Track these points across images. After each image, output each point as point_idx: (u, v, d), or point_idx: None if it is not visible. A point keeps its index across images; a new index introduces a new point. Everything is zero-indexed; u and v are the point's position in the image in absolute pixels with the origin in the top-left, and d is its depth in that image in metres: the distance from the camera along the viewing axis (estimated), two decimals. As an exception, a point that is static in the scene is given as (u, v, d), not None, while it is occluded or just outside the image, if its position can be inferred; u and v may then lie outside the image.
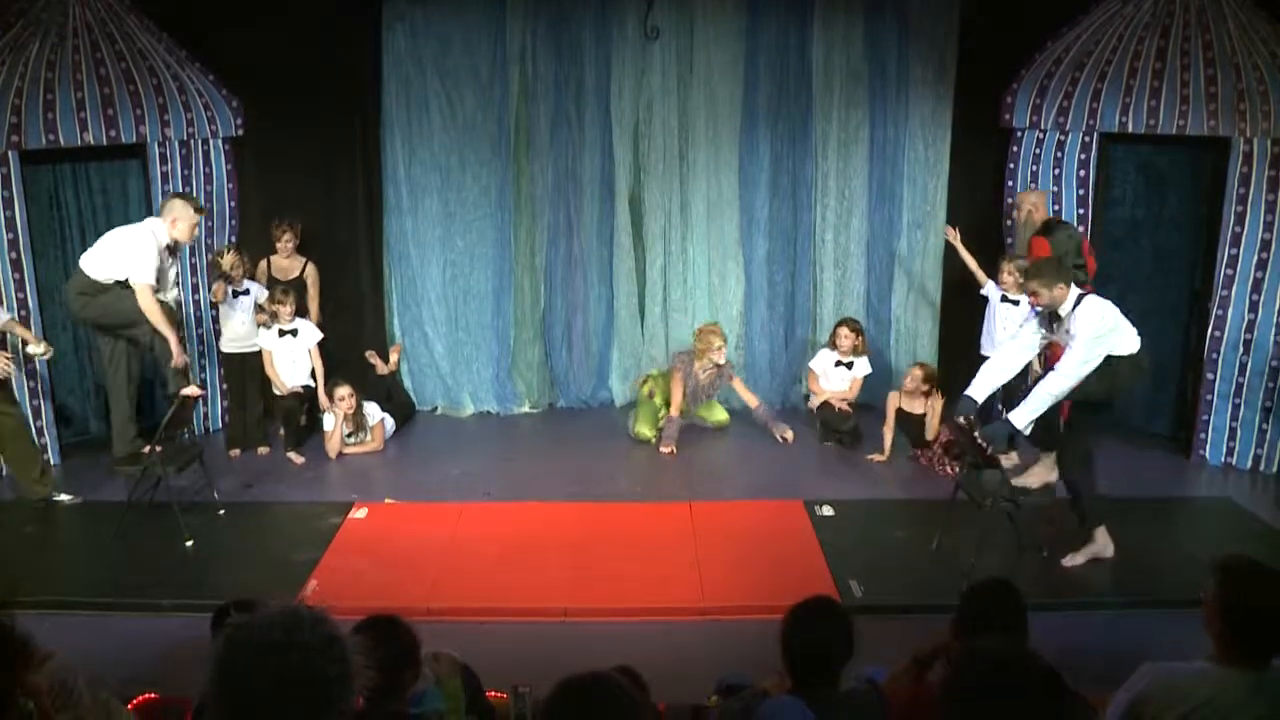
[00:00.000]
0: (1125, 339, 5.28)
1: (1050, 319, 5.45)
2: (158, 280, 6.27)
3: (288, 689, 1.69)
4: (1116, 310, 5.29)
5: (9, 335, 6.50)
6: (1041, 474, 6.21)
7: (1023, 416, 5.31)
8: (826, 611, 2.99)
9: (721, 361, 7.39)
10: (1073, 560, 5.54)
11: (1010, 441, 7.03)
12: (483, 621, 5.07)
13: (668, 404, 7.53)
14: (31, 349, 6.38)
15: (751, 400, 7.58)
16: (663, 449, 7.28)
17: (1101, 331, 5.23)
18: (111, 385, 6.58)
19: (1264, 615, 2.64)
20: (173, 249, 6.40)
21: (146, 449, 6.13)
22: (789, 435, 7.42)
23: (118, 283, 6.21)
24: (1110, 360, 5.27)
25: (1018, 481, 6.03)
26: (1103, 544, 5.56)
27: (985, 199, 7.70)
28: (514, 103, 7.81)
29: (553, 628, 5.04)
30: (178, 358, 6.30)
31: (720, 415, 7.80)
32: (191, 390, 6.40)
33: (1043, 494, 6.09)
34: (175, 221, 6.25)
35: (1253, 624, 2.64)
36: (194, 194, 7.28)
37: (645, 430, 7.48)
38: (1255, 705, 2.60)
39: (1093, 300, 5.31)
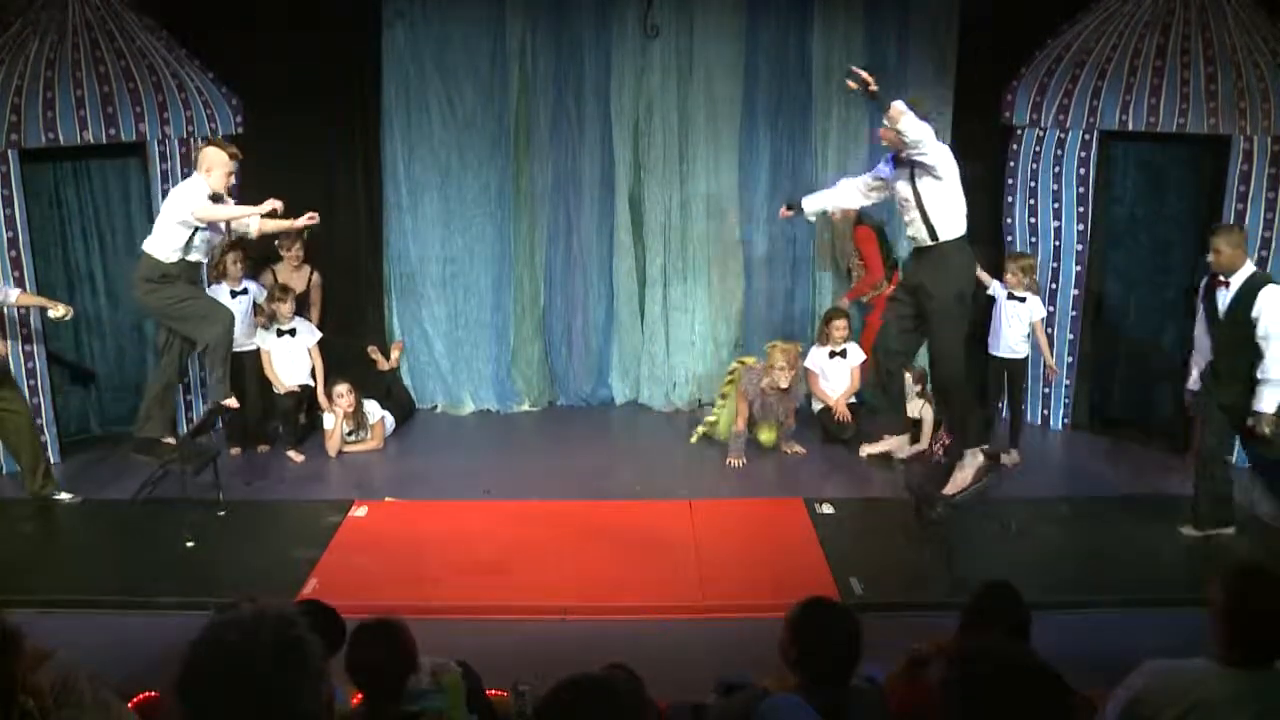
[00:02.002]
0: (958, 204, 5.52)
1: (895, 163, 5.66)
2: (191, 239, 5.93)
3: (247, 694, 1.69)
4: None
5: (10, 314, 6.53)
6: (895, 443, 6.62)
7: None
8: (835, 614, 2.99)
9: (783, 385, 7.01)
10: (954, 489, 5.62)
11: (1014, 440, 7.07)
12: (483, 619, 5.07)
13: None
14: (52, 313, 6.35)
15: (790, 417, 7.29)
16: (731, 460, 7.06)
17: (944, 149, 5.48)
18: (157, 368, 6.43)
19: (1270, 618, 2.65)
20: (215, 199, 5.97)
21: (169, 440, 6.10)
22: (801, 451, 7.26)
23: (185, 261, 5.95)
24: (949, 250, 5.51)
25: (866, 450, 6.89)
26: (972, 466, 5.71)
27: (985, 197, 7.67)
28: (514, 101, 7.81)
29: (553, 626, 5.05)
30: (278, 216, 6.07)
31: (772, 433, 7.37)
32: (231, 401, 6.31)
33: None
34: (210, 170, 5.89)
35: (1258, 627, 2.65)
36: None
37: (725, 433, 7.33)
38: (1254, 705, 2.61)
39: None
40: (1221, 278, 5.47)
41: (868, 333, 7.51)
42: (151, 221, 7.20)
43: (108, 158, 7.17)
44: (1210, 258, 5.49)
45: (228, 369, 6.24)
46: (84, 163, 7.13)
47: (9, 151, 6.55)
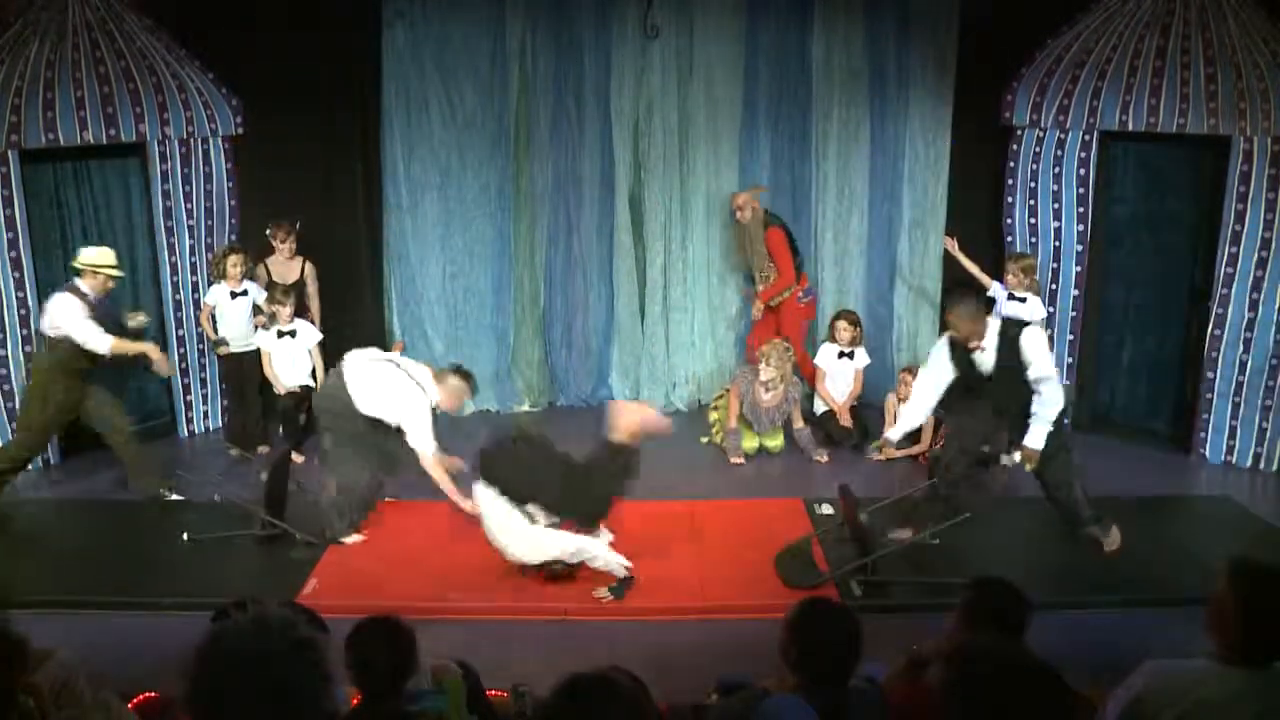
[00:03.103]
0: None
1: None
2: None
3: (261, 700, 1.69)
4: None
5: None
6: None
7: None
8: (835, 614, 2.99)
9: (765, 378, 7.02)
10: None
11: (1010, 441, 7.06)
12: (483, 619, 5.08)
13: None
14: (133, 323, 6.38)
15: (798, 421, 7.26)
16: (733, 460, 7.12)
17: None
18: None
19: (1272, 617, 2.64)
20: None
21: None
22: (825, 459, 7.18)
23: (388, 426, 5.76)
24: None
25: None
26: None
27: (985, 198, 7.70)
28: (514, 101, 7.81)
29: (553, 627, 5.05)
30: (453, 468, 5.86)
31: (777, 439, 7.36)
32: (356, 538, 5.91)
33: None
34: (447, 397, 5.84)
35: (1262, 626, 2.64)
36: (194, 194, 7.30)
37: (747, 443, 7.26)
38: (1254, 704, 2.61)
39: None
40: (972, 344, 5.47)
41: (759, 330, 7.67)
42: (152, 222, 7.28)
43: (108, 158, 7.17)
44: (951, 334, 5.54)
45: (351, 509, 5.89)
46: (84, 163, 7.12)
47: (9, 152, 6.55)
